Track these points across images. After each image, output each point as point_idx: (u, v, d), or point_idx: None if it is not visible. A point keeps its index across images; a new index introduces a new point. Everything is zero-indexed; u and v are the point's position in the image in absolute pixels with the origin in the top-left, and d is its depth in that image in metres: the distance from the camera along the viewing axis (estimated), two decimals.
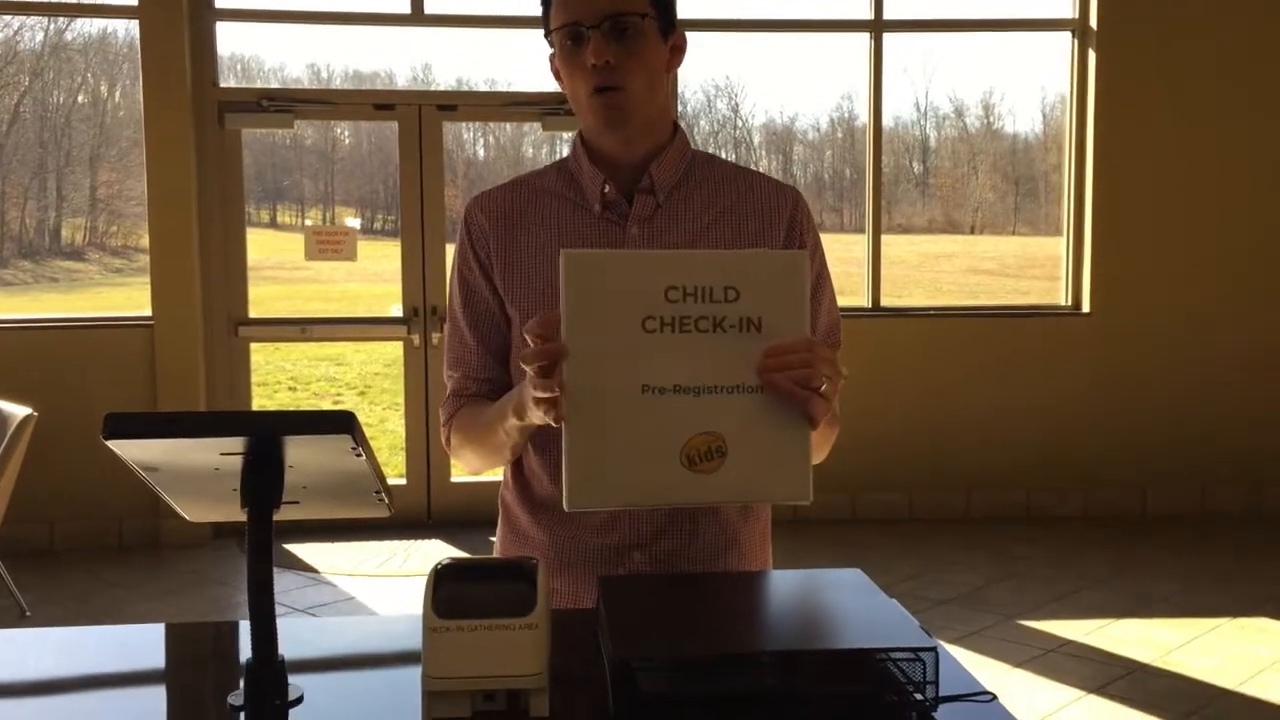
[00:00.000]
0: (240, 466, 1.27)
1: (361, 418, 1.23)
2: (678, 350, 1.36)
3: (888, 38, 6.52)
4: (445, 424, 1.80)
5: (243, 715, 1.29)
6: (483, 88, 7.25)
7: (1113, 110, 6.43)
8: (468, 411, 1.75)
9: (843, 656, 1.26)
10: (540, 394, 1.35)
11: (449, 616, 1.22)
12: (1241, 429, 6.53)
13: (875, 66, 6.53)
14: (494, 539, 1.87)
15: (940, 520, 6.42)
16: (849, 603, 1.41)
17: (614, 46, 1.61)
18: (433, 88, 7.37)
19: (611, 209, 1.70)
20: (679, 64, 1.73)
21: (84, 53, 8.84)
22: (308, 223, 12.68)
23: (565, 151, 1.81)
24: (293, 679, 1.32)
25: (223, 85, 6.25)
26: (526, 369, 1.37)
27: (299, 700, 1.31)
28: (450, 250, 6.48)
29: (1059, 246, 6.77)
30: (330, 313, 11.38)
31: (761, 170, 2.03)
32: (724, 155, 1.72)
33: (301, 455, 1.25)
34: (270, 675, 1.29)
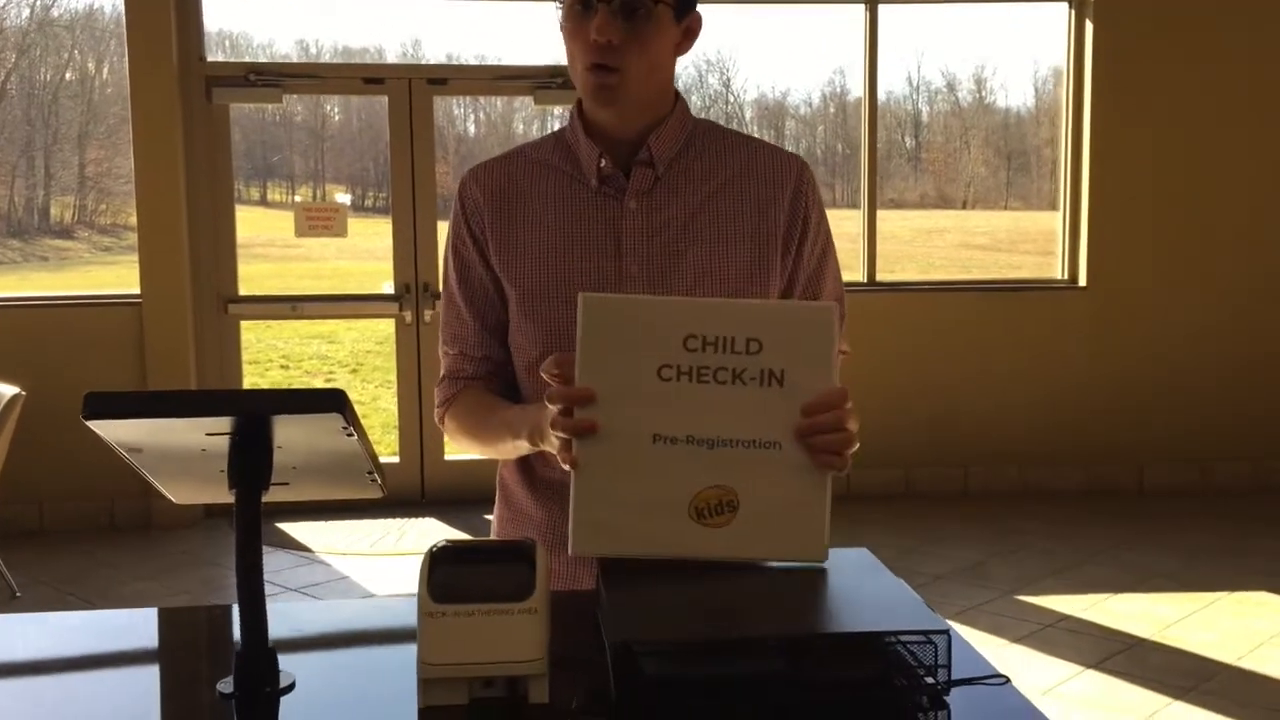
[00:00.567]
0: (227, 447, 1.22)
1: (354, 396, 1.19)
2: (693, 400, 1.33)
3: (883, 9, 6.45)
4: (442, 405, 1.76)
5: (233, 704, 1.25)
6: (473, 63, 7.18)
7: (1110, 83, 6.38)
8: (469, 402, 1.71)
9: (852, 640, 1.22)
10: (563, 434, 1.35)
11: (445, 601, 1.18)
12: (1240, 402, 6.51)
13: (870, 39, 6.46)
14: (489, 517, 1.84)
15: (938, 495, 6.40)
16: (857, 584, 1.37)
17: (620, 25, 1.54)
18: (423, 62, 7.30)
19: (608, 183, 1.65)
20: (689, 48, 1.66)
21: (70, 29, 8.75)
22: (298, 199, 12.61)
23: (558, 126, 1.76)
24: (285, 665, 1.28)
25: (210, 60, 6.17)
26: (550, 407, 1.37)
27: (291, 687, 1.27)
28: (442, 227, 6.44)
29: (1051, 221, 6.73)
30: (321, 290, 11.33)
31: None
32: None
33: (291, 435, 1.21)
34: (261, 662, 1.25)
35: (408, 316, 6.32)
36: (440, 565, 1.23)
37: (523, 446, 1.59)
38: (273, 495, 1.28)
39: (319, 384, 10.72)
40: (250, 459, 1.24)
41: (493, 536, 1.82)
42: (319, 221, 6.37)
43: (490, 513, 1.84)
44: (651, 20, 1.56)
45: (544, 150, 1.71)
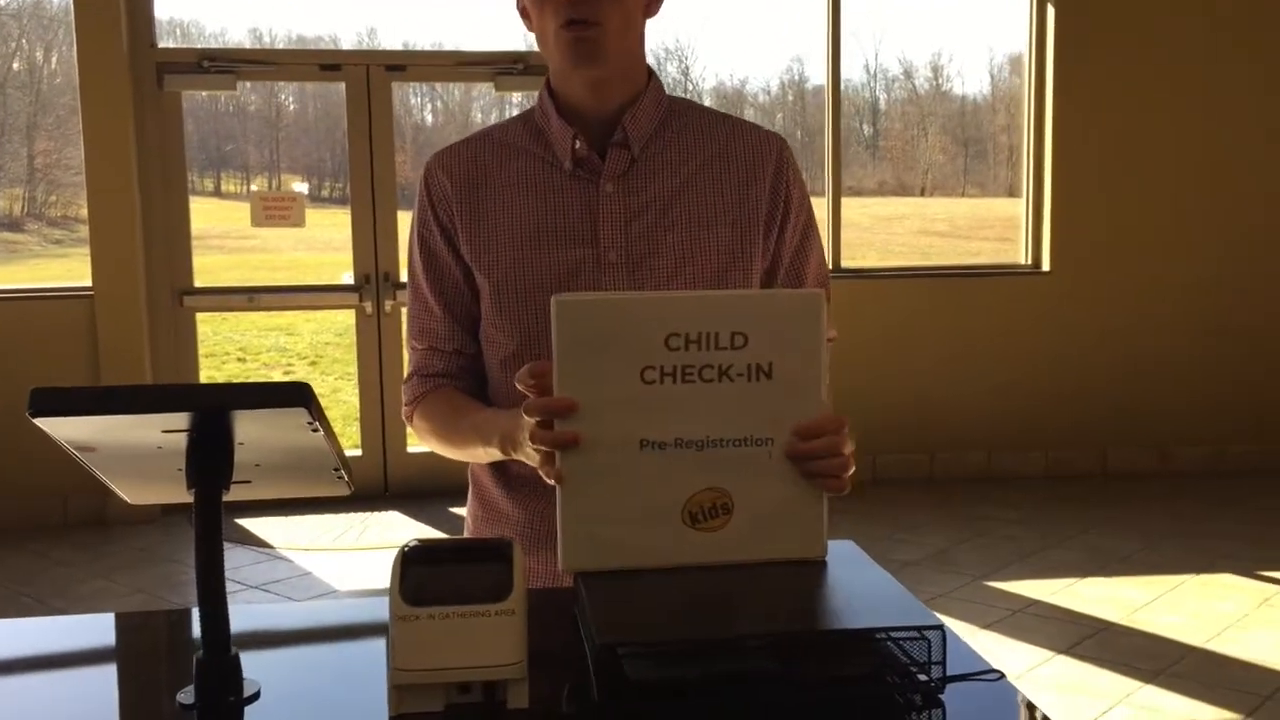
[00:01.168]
0: (185, 445, 1.16)
1: (314, 388, 1.12)
2: (679, 402, 1.27)
3: None
4: (409, 404, 1.69)
5: (195, 715, 1.18)
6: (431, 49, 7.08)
7: (1071, 69, 6.39)
8: (440, 403, 1.64)
9: (843, 637, 1.18)
10: (542, 448, 1.28)
11: (418, 603, 1.12)
12: (1200, 386, 6.55)
13: (833, 26, 6.43)
14: (454, 510, 1.79)
15: (905, 481, 6.39)
16: (845, 578, 1.32)
17: None
18: (381, 48, 7.19)
19: (583, 166, 1.59)
20: (657, 10, 1.60)
21: (18, 18, 8.56)
22: (253, 188, 12.44)
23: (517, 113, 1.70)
24: (248, 670, 1.21)
25: (161, 47, 6.04)
26: (527, 419, 1.30)
27: (255, 696, 1.21)
28: (403, 216, 6.35)
29: (1010, 207, 6.74)
30: (279, 281, 11.18)
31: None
32: None
33: (252, 431, 1.15)
34: (223, 670, 1.19)
35: (368, 307, 6.23)
36: (413, 566, 1.17)
37: (494, 453, 1.52)
38: (234, 494, 1.22)
39: (278, 377, 10.58)
40: (209, 457, 1.17)
41: (466, 534, 1.76)
42: (276, 211, 6.26)
43: (454, 506, 1.79)
44: None
45: (512, 133, 1.64)
